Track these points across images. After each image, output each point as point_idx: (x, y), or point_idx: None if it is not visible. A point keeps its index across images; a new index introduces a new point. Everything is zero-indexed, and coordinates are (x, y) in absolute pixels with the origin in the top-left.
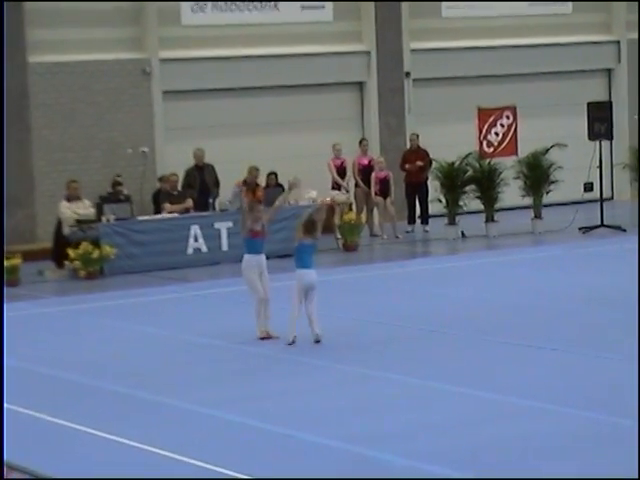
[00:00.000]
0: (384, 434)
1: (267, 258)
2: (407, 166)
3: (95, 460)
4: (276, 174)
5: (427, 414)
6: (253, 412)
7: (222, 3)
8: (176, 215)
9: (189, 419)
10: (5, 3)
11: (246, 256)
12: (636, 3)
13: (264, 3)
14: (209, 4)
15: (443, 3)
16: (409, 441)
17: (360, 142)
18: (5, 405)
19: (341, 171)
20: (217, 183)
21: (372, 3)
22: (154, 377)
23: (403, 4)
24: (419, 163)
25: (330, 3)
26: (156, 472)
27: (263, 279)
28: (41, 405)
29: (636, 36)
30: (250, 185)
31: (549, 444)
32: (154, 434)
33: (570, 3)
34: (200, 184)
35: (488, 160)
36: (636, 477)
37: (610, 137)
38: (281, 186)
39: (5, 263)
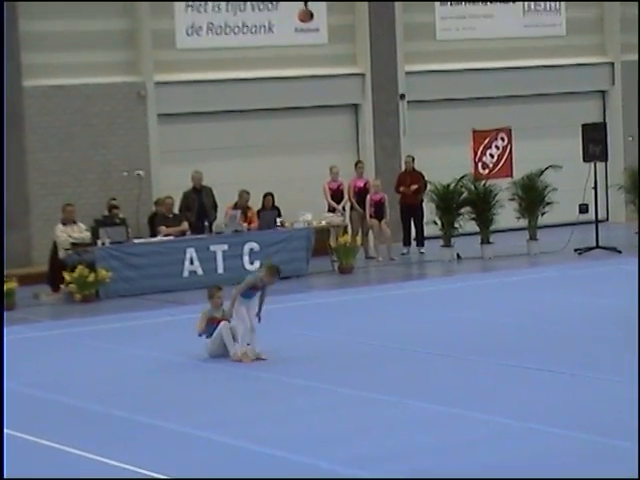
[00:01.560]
0: (379, 456)
1: None
2: (402, 189)
3: None
4: (273, 195)
5: (423, 436)
6: (247, 435)
7: (217, 26)
8: (172, 238)
9: (184, 442)
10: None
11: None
12: (630, 25)
13: (259, 26)
14: (204, 27)
15: (438, 26)
16: (404, 463)
17: (356, 164)
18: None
19: (338, 194)
20: (215, 206)
21: (367, 25)
22: (150, 400)
23: (398, 27)
24: (414, 187)
25: (325, 26)
26: None
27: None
28: (36, 429)
29: (630, 58)
30: (241, 209)
31: (545, 466)
32: (149, 457)
33: (564, 25)
34: (198, 207)
35: (483, 182)
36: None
37: (605, 159)
38: (277, 208)
39: None
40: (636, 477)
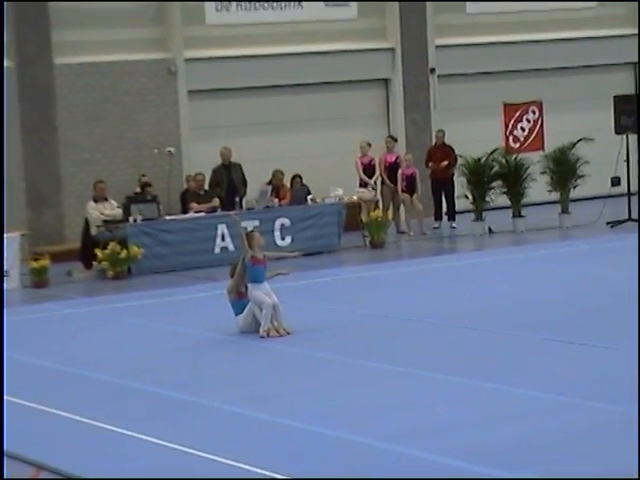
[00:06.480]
0: (413, 430)
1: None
2: (431, 164)
3: (128, 460)
4: (300, 177)
5: (457, 410)
6: (282, 410)
7: (246, 2)
8: (203, 214)
9: (217, 417)
10: (30, 5)
11: (237, 317)
12: None
13: (288, 1)
14: (233, 3)
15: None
16: (439, 438)
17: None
18: (33, 405)
19: (370, 169)
20: (244, 182)
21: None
22: (181, 375)
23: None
24: (444, 163)
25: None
26: (184, 470)
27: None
28: (70, 405)
29: None
30: (275, 187)
31: (581, 440)
32: (182, 433)
33: None
34: (227, 183)
35: (514, 155)
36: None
37: (637, 130)
38: (305, 186)
39: (34, 264)
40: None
